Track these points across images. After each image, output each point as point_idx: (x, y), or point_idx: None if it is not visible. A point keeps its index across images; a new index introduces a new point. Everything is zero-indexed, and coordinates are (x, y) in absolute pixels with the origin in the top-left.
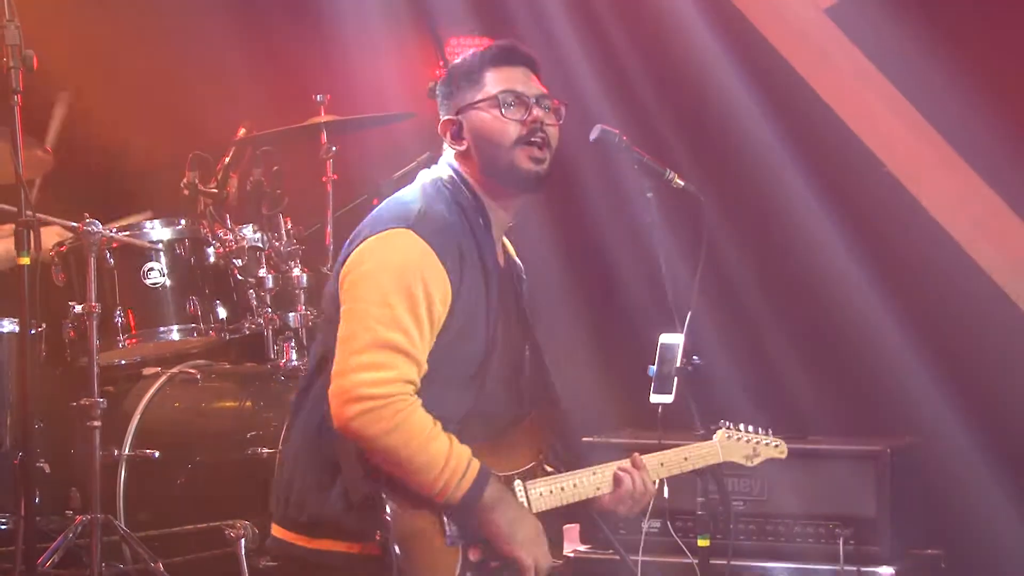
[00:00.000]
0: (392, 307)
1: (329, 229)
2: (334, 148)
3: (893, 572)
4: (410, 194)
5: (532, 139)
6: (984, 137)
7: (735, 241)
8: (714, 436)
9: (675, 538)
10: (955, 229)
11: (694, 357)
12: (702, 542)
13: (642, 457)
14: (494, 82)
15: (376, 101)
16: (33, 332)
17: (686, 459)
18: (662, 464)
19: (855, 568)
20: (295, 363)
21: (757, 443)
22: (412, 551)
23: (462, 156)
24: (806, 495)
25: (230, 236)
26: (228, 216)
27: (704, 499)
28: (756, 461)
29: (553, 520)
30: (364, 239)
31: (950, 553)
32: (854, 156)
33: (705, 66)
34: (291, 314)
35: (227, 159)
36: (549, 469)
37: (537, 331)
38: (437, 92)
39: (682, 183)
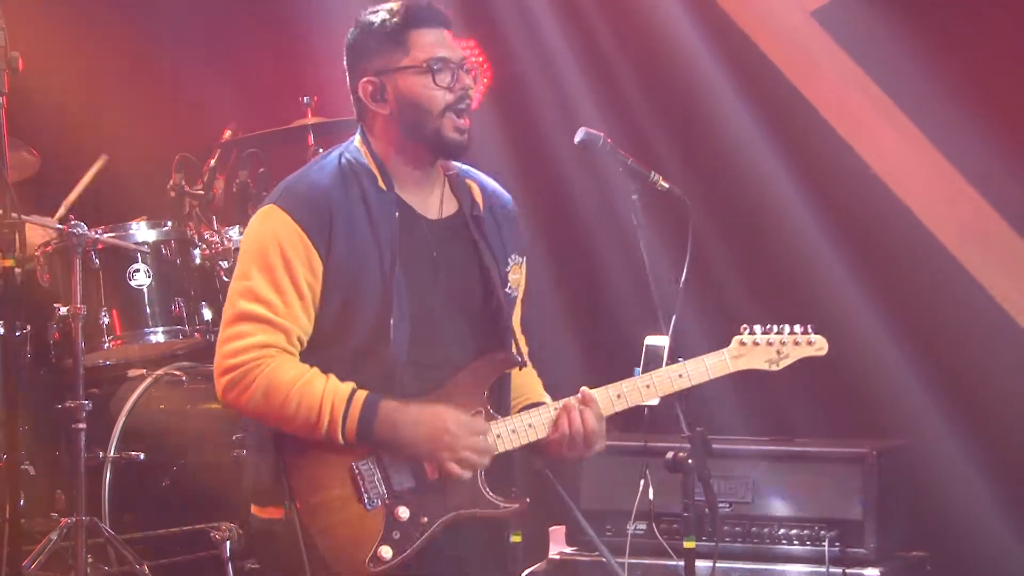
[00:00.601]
0: (251, 279)
1: None
2: (321, 150)
3: (879, 574)
4: (298, 170)
5: (459, 106)
6: (971, 140)
7: (721, 243)
8: (731, 343)
9: (661, 540)
10: (942, 232)
11: (679, 359)
12: (688, 544)
13: (595, 390)
14: (420, 47)
15: None
16: (18, 334)
17: (680, 376)
18: (619, 396)
19: (841, 570)
20: None
21: (783, 343)
22: (325, 521)
23: (379, 117)
24: (792, 497)
25: (216, 238)
26: (214, 218)
27: (690, 501)
28: (784, 363)
29: (508, 466)
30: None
31: (936, 555)
32: (841, 159)
33: (691, 68)
34: None
35: (213, 161)
36: (493, 414)
37: (514, 269)
38: (349, 46)
39: (667, 185)
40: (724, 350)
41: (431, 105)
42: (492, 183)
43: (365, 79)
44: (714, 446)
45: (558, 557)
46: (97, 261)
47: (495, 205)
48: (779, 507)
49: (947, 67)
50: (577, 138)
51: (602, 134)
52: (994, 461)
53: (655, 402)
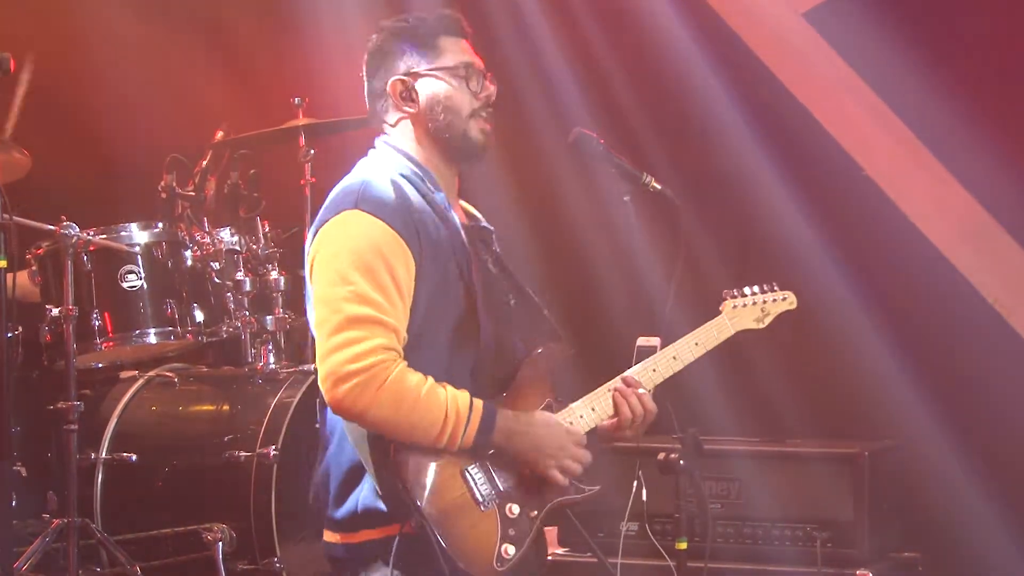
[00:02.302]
0: (354, 283)
1: (307, 232)
2: (312, 151)
3: (870, 575)
4: (352, 177)
5: (484, 111)
6: (963, 141)
7: (712, 244)
8: (721, 310)
9: (653, 541)
10: (934, 233)
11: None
12: (680, 545)
13: (631, 372)
14: (452, 52)
15: (354, 104)
16: (10, 335)
17: (696, 344)
18: (655, 370)
19: (832, 571)
20: (272, 366)
21: (765, 302)
22: (450, 529)
23: (405, 118)
24: (784, 498)
25: (207, 239)
26: (205, 219)
27: (682, 502)
28: (768, 321)
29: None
30: (318, 228)
31: (927, 556)
32: (832, 160)
33: (683, 69)
34: (268, 317)
35: (205, 162)
36: (562, 402)
37: (519, 277)
38: (374, 49)
39: (659, 187)
40: (723, 314)
41: (461, 107)
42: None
43: (395, 79)
44: (706, 447)
45: (550, 558)
46: (89, 263)
47: (479, 220)
48: (771, 508)
49: (939, 68)
50: (570, 139)
51: (595, 135)
52: (985, 461)
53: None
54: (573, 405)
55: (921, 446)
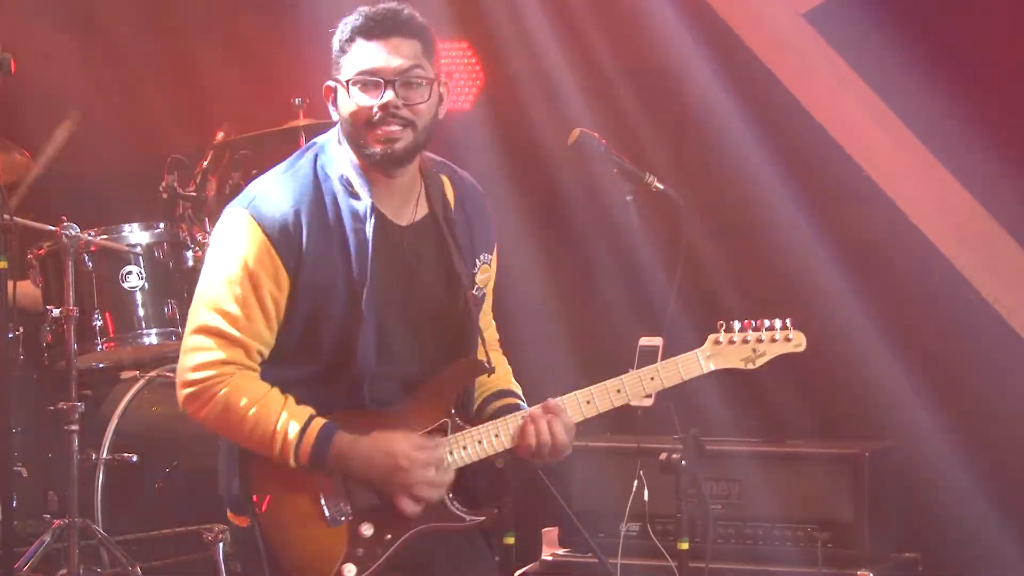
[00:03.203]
0: (215, 291)
1: None
2: None
3: (871, 575)
4: (270, 172)
5: (384, 122)
6: (963, 141)
7: (714, 243)
8: (705, 342)
9: (654, 541)
10: (934, 233)
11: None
12: (681, 545)
13: (564, 396)
14: (354, 59)
15: None
16: (11, 336)
17: (653, 379)
18: (588, 402)
19: (833, 571)
20: None
21: (760, 340)
22: (288, 538)
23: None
24: (784, 498)
25: (209, 240)
26: (207, 220)
27: (683, 502)
28: (760, 361)
29: (476, 475)
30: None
31: (928, 556)
32: (832, 160)
33: (684, 70)
34: None
35: (206, 162)
36: (461, 424)
37: (465, 280)
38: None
39: (661, 186)
40: (697, 350)
41: (354, 119)
42: (465, 176)
43: (326, 84)
44: (707, 447)
45: (551, 558)
46: (90, 263)
47: (467, 200)
48: (772, 508)
49: (939, 68)
50: (572, 139)
51: (597, 135)
52: (986, 461)
53: (649, 402)
54: (475, 428)
55: (921, 446)
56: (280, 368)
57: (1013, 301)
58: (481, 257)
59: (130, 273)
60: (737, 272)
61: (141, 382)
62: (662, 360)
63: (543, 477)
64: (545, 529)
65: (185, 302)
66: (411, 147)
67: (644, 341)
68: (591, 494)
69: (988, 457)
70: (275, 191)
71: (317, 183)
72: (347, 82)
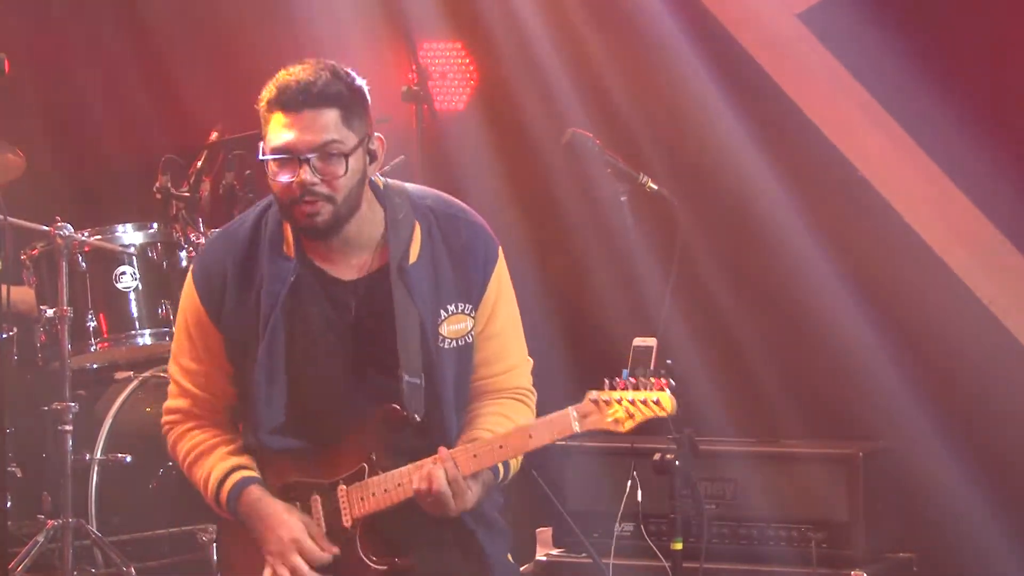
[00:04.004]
0: (175, 342)
1: None
2: None
3: (865, 575)
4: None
5: (304, 200)
6: (958, 142)
7: (708, 244)
8: (584, 398)
9: (648, 541)
10: (929, 234)
11: (667, 360)
12: (675, 545)
13: (453, 449)
14: (271, 135)
15: None
16: (4, 336)
17: (502, 447)
18: (475, 456)
19: (827, 571)
20: None
21: (632, 402)
22: (234, 560)
23: None
24: (779, 498)
25: (202, 240)
26: (200, 220)
27: (677, 502)
28: (629, 425)
29: (402, 520)
30: None
31: (923, 556)
32: (827, 160)
33: (678, 70)
34: None
35: (199, 163)
36: (380, 471)
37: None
38: None
39: (655, 187)
40: (571, 408)
41: (279, 198)
42: (452, 220)
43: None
44: (701, 447)
45: (545, 559)
46: (83, 264)
47: (440, 250)
48: (766, 508)
49: (934, 69)
50: (566, 139)
51: (591, 135)
52: (981, 462)
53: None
54: (389, 474)
55: (916, 447)
56: (244, 417)
57: (1008, 302)
58: (449, 308)
59: (124, 273)
60: (731, 272)
61: (135, 382)
62: (667, 360)
63: (537, 477)
64: (539, 529)
65: (179, 303)
66: (332, 220)
67: (638, 341)
68: (585, 494)
69: (983, 458)
70: (213, 247)
71: (253, 239)
72: (267, 154)
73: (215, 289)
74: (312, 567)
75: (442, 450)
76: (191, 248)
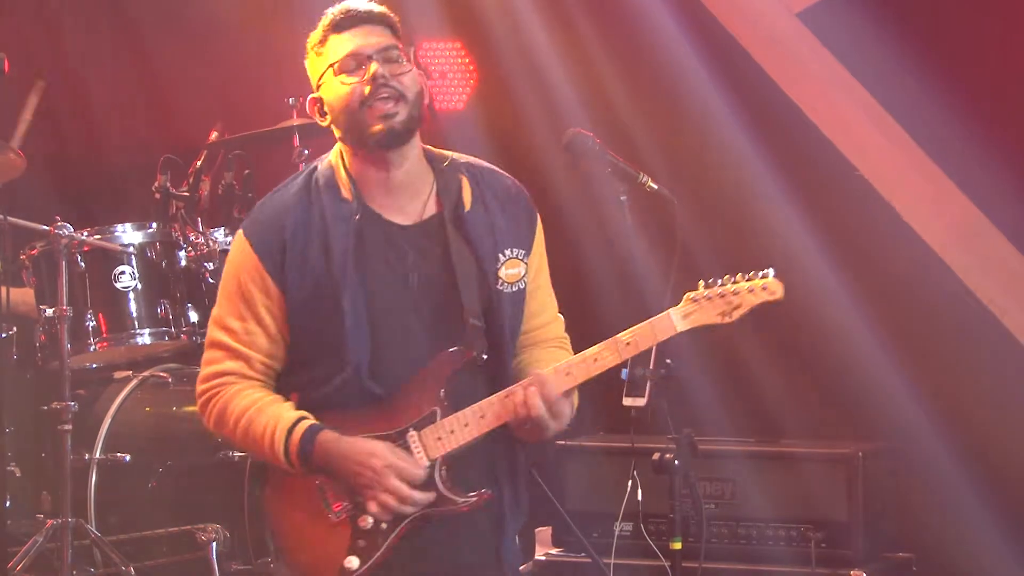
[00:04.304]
0: (220, 307)
1: None
2: (306, 151)
3: (864, 575)
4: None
5: (378, 95)
6: (958, 141)
7: (708, 243)
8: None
9: (647, 541)
10: (928, 233)
11: (667, 360)
12: (674, 545)
13: (544, 370)
14: (333, 51)
15: None
16: (4, 336)
17: (628, 344)
18: (568, 373)
19: (826, 571)
20: None
21: (736, 293)
22: (298, 538)
23: (332, 132)
24: (778, 498)
25: (201, 239)
26: (200, 219)
27: (676, 502)
28: (737, 314)
29: (469, 459)
30: None
31: (921, 557)
32: (827, 160)
33: (677, 69)
34: None
35: (199, 162)
36: (450, 410)
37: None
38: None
39: (655, 186)
40: (671, 308)
41: (349, 102)
42: (493, 173)
43: (311, 98)
44: (700, 447)
45: (544, 558)
46: (83, 263)
47: (490, 197)
48: (765, 508)
49: (933, 68)
50: (566, 139)
51: (591, 135)
52: (980, 462)
53: (642, 402)
54: (462, 412)
55: (915, 447)
56: (293, 375)
57: (1008, 302)
58: (507, 252)
59: (123, 273)
60: (731, 272)
61: (134, 382)
62: (666, 360)
63: (536, 476)
64: (539, 529)
65: (178, 302)
66: (408, 121)
67: None
68: (585, 494)
69: (982, 458)
70: (264, 208)
71: (306, 193)
72: (332, 67)
73: (274, 248)
74: (413, 487)
75: (535, 373)
76: (190, 248)
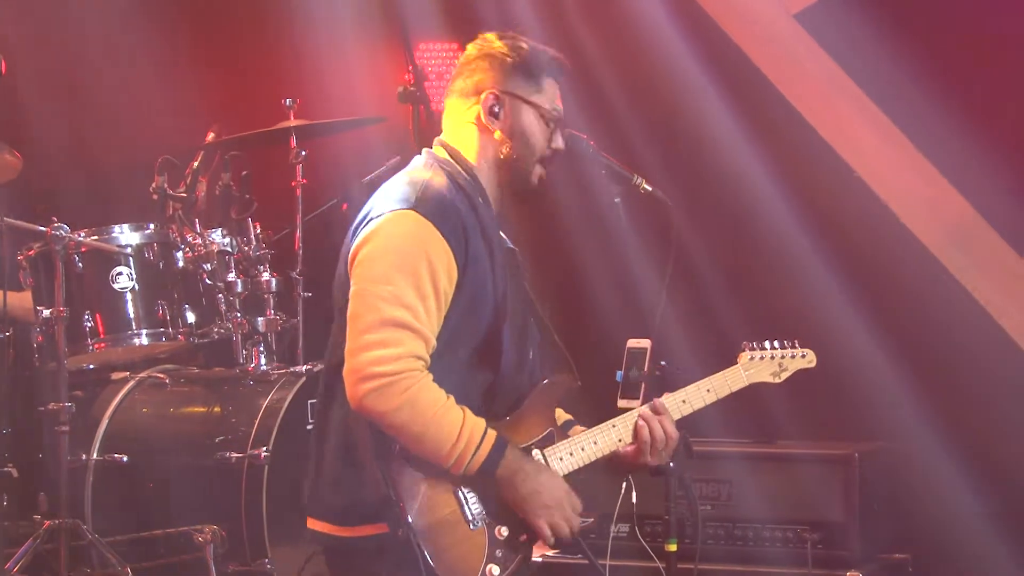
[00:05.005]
0: (395, 285)
1: (298, 234)
2: (303, 152)
3: None
4: (410, 175)
5: (551, 163)
6: (954, 142)
7: (704, 245)
8: (738, 360)
9: (643, 543)
10: (924, 234)
11: (661, 362)
12: (670, 547)
13: (662, 399)
14: (550, 95)
15: (346, 105)
16: (1, 337)
17: (708, 391)
18: (684, 401)
19: (823, 572)
20: (264, 368)
21: (783, 358)
22: (437, 543)
23: (482, 133)
24: (774, 499)
25: (199, 240)
26: (197, 220)
27: (672, 503)
28: (784, 376)
29: (583, 483)
30: (369, 221)
31: (918, 558)
32: (824, 161)
33: (675, 70)
34: (260, 318)
35: (196, 163)
36: (564, 433)
37: (539, 304)
38: (481, 52)
39: (649, 188)
40: (738, 365)
41: (536, 148)
42: None
43: (490, 91)
44: (696, 448)
45: (540, 560)
46: (80, 264)
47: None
48: (761, 509)
49: (929, 69)
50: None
51: (585, 136)
52: (977, 463)
53: (637, 404)
54: (574, 437)
55: (912, 447)
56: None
57: (1004, 302)
58: None
59: (120, 274)
60: (727, 274)
61: (131, 383)
62: (661, 362)
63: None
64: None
65: (176, 303)
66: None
67: (632, 343)
68: (580, 495)
69: (979, 458)
70: (432, 191)
71: (457, 187)
72: (544, 110)
73: (459, 232)
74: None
75: (657, 401)
76: (188, 248)
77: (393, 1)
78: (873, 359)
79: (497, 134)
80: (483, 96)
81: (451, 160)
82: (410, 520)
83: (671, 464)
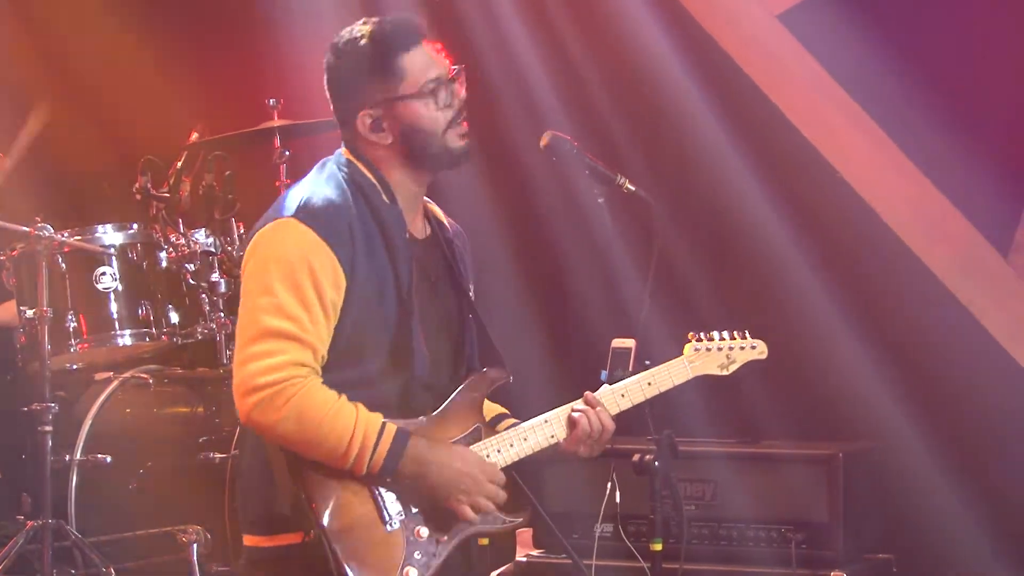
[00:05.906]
0: (277, 295)
1: None
2: (287, 152)
3: None
4: (301, 183)
5: (459, 119)
6: (937, 143)
7: (687, 245)
8: (683, 351)
9: (628, 543)
10: (908, 235)
11: (646, 361)
12: (655, 546)
13: (598, 392)
14: (413, 71)
15: (329, 106)
16: None
17: (650, 384)
18: (623, 395)
19: (807, 572)
20: None
21: (731, 349)
22: (353, 544)
23: (378, 147)
24: (759, 499)
25: (182, 241)
26: (180, 221)
27: (657, 503)
28: (732, 368)
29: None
30: (253, 234)
31: (902, 557)
32: (808, 162)
33: (657, 71)
34: None
35: (179, 163)
36: (492, 429)
37: (473, 293)
38: (333, 74)
39: (633, 188)
40: (683, 357)
41: (435, 127)
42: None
43: (362, 112)
44: (681, 448)
45: (525, 559)
46: (63, 264)
47: (457, 232)
48: (746, 509)
49: (913, 70)
50: (543, 141)
51: (569, 137)
52: (961, 463)
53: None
54: (505, 432)
55: (896, 448)
56: (329, 374)
57: (987, 303)
58: (472, 280)
59: (104, 274)
60: (710, 273)
61: (115, 383)
62: (645, 361)
63: (516, 477)
64: (519, 530)
65: (159, 303)
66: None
67: (617, 342)
68: (564, 495)
69: (963, 458)
70: (318, 197)
71: (352, 188)
72: (417, 93)
73: (345, 238)
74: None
75: (588, 394)
76: (171, 249)
77: (378, 3)
78: (857, 359)
79: (390, 140)
80: (357, 122)
81: (354, 161)
82: (324, 523)
83: (656, 463)
